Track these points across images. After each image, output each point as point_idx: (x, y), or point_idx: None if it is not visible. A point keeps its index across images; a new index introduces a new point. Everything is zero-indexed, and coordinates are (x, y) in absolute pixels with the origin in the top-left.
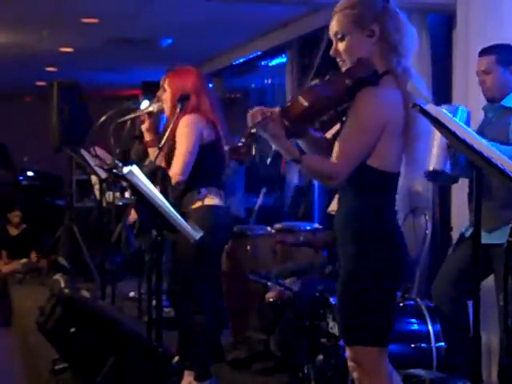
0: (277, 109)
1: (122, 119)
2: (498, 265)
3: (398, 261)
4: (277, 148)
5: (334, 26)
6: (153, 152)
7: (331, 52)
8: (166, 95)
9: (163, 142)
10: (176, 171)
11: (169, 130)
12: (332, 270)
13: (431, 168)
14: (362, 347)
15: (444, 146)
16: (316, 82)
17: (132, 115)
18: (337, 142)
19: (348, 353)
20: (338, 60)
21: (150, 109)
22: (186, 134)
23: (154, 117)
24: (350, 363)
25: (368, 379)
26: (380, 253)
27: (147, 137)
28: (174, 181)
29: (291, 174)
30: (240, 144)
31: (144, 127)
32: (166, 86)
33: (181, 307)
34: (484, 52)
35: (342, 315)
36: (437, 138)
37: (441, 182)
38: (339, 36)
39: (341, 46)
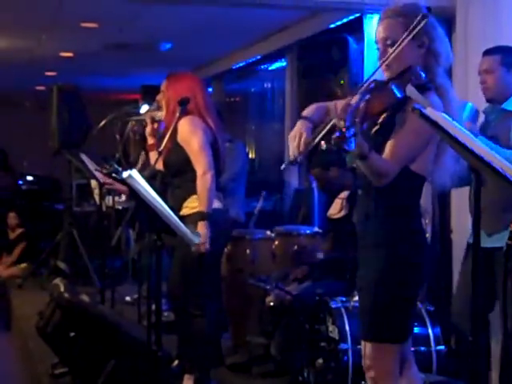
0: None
1: (128, 119)
2: (498, 268)
3: (425, 261)
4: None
5: (382, 32)
6: (154, 156)
7: (379, 56)
8: (163, 100)
9: (163, 145)
10: (201, 172)
11: (168, 133)
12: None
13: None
14: (384, 344)
15: None
16: (388, 83)
17: (137, 117)
18: (390, 143)
19: (367, 350)
20: (383, 65)
21: (156, 115)
22: (191, 132)
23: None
24: (366, 362)
25: (383, 377)
26: (412, 252)
27: (149, 141)
28: (206, 181)
29: (291, 177)
30: (350, 133)
31: (147, 131)
32: (163, 91)
33: (181, 311)
34: (488, 52)
35: (369, 311)
36: None
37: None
38: (389, 42)
39: (390, 52)
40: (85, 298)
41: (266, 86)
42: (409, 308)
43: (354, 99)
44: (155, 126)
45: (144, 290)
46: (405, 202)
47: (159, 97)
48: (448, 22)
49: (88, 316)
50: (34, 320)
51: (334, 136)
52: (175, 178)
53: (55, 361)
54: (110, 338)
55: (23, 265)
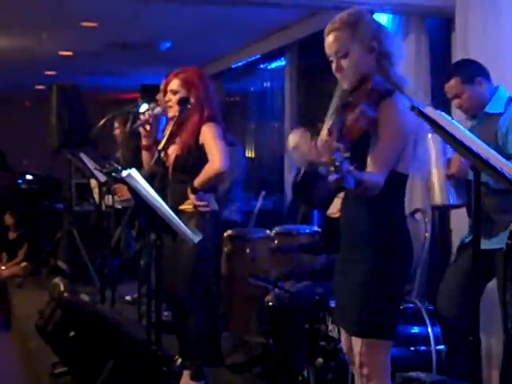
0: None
1: (135, 126)
2: (499, 269)
3: (410, 259)
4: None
5: (332, 45)
6: (146, 155)
7: (334, 70)
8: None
9: (162, 144)
10: (218, 165)
11: (168, 130)
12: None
13: (437, 203)
14: (376, 340)
15: (444, 178)
16: (356, 101)
17: (139, 123)
18: (372, 154)
19: (358, 347)
20: (340, 77)
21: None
22: (215, 138)
23: (154, 121)
24: (358, 359)
25: (377, 374)
26: (398, 251)
27: (144, 141)
28: (218, 170)
29: (290, 176)
30: (336, 176)
31: (143, 132)
32: (177, 88)
33: (179, 308)
34: (448, 76)
35: (357, 308)
36: (435, 173)
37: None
38: (341, 54)
39: (344, 63)
40: (85, 297)
41: (265, 85)
42: (394, 306)
43: (329, 136)
44: (147, 127)
45: (144, 290)
46: (392, 202)
47: (160, 96)
48: (447, 21)
49: (88, 315)
50: (34, 319)
51: (331, 179)
52: (182, 173)
53: (55, 360)
54: (110, 337)
55: (23, 264)
